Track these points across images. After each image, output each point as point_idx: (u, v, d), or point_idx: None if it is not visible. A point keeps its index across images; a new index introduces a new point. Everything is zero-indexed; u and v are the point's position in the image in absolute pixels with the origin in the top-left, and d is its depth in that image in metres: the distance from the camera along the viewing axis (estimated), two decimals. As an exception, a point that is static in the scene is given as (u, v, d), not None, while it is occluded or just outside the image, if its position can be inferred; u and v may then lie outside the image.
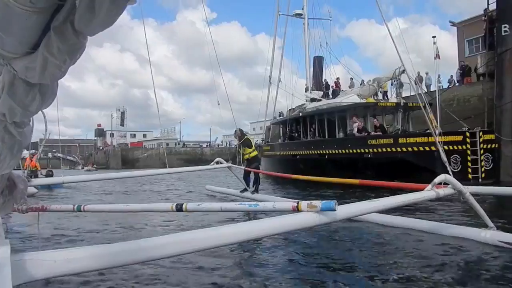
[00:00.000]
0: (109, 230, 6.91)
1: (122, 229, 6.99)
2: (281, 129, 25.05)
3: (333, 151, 16.71)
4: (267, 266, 4.51)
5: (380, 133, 15.85)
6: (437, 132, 9.31)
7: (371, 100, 18.92)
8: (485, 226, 5.21)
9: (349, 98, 18.79)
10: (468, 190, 4.89)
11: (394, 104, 17.74)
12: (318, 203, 3.14)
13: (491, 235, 5.09)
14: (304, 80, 26.23)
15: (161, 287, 3.89)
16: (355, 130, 16.88)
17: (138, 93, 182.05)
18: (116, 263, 2.34)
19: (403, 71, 15.91)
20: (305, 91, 24.95)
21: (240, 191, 11.22)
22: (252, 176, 11.09)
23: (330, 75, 25.20)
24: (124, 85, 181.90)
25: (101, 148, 74.54)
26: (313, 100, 22.33)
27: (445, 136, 12.24)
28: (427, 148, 13.21)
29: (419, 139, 13.78)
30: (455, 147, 13.45)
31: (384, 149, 14.41)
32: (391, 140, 14.50)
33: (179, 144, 74.13)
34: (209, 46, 11.00)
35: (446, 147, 12.24)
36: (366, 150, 14.99)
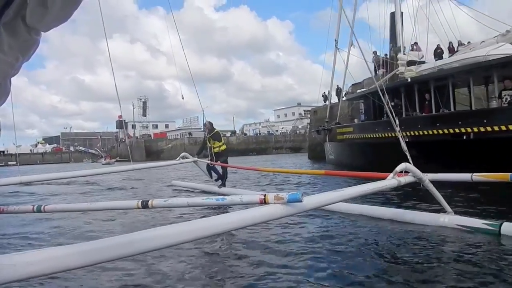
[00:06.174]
0: (71, 230, 6.70)
1: (85, 228, 6.80)
2: (362, 105, 19.31)
3: (481, 129, 10.77)
4: (238, 260, 4.53)
5: None
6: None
7: None
8: (443, 211, 5.48)
9: (498, 49, 12.18)
10: (427, 177, 5.14)
11: None
12: (284, 194, 3.17)
13: (449, 219, 5.36)
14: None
15: (128, 283, 3.82)
16: None
17: (152, 84, 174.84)
18: (79, 264, 2.26)
19: None
20: (373, 59, 19.19)
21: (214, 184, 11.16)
22: (219, 169, 11.05)
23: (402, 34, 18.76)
24: (137, 77, 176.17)
25: (123, 140, 70.99)
26: (410, 63, 16.42)
27: None
28: None
29: None
30: None
31: None
32: None
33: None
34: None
35: None
36: None
